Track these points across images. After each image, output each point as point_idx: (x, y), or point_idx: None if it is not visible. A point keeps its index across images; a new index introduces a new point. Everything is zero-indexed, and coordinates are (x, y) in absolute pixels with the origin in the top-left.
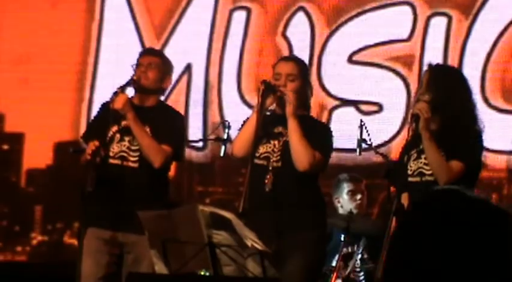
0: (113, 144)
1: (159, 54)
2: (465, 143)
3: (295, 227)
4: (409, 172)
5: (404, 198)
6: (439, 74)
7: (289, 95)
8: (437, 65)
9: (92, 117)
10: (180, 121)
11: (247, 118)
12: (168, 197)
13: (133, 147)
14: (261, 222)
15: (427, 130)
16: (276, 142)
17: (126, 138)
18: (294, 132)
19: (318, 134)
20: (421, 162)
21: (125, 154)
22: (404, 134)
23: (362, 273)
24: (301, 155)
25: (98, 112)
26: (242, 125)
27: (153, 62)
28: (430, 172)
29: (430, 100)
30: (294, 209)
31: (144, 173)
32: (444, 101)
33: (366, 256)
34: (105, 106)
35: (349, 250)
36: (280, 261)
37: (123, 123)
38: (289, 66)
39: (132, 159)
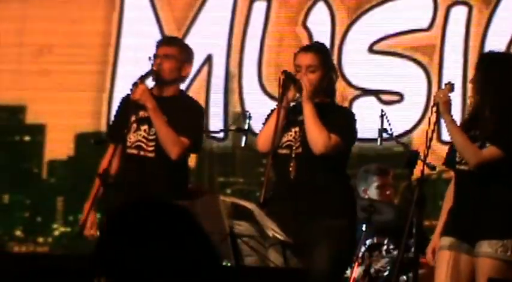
0: (129, 134)
1: (176, 42)
2: (509, 130)
3: (321, 214)
4: (457, 160)
5: (451, 187)
6: (484, 63)
7: (305, 81)
8: (486, 53)
9: (114, 114)
10: (198, 112)
11: (272, 111)
12: (186, 187)
13: (149, 137)
14: (287, 211)
15: (447, 114)
16: (297, 129)
17: (142, 128)
18: (307, 116)
19: (338, 117)
20: None
21: (141, 144)
22: (425, 124)
23: (388, 264)
24: (314, 137)
25: (118, 107)
26: (266, 119)
27: (169, 53)
28: None
29: (479, 90)
30: (318, 197)
31: (161, 162)
32: (489, 91)
33: (391, 246)
34: (124, 100)
35: (375, 241)
36: (306, 251)
37: (141, 113)
38: (309, 58)
39: (148, 149)
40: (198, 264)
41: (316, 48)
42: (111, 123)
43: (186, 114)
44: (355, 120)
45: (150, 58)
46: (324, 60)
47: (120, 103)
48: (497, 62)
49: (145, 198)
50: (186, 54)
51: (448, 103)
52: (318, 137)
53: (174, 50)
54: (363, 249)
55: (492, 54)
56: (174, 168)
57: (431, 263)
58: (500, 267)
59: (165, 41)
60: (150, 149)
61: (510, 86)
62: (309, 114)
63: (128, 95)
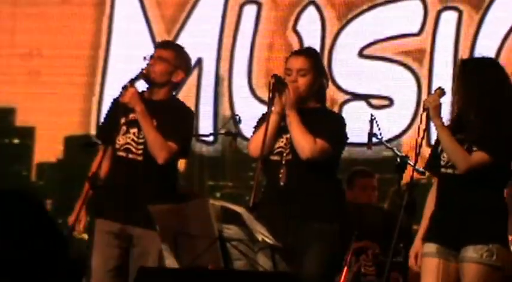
0: (119, 136)
1: (172, 47)
2: (496, 136)
3: (310, 219)
4: (442, 163)
5: (433, 191)
6: (467, 68)
7: (289, 89)
8: (469, 58)
9: (104, 115)
10: (188, 117)
11: (263, 115)
12: (175, 191)
13: (138, 140)
14: (276, 216)
15: (437, 118)
16: (289, 135)
17: (132, 131)
18: (291, 124)
19: (326, 122)
20: None
21: (130, 146)
22: (415, 128)
23: (374, 268)
24: (300, 144)
25: (109, 109)
26: (257, 123)
27: (163, 56)
28: None
29: (463, 95)
30: (309, 201)
31: (150, 165)
32: (472, 96)
33: (378, 250)
34: (114, 102)
35: (361, 244)
36: (296, 255)
37: (131, 115)
38: (300, 61)
39: (137, 152)
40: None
41: (307, 52)
42: (100, 124)
43: (176, 119)
44: (344, 125)
45: (145, 58)
46: (315, 64)
47: (111, 105)
48: (479, 67)
49: (134, 201)
50: (181, 60)
51: (438, 108)
52: (303, 143)
53: (168, 53)
54: (350, 253)
55: (474, 59)
56: (162, 172)
57: (414, 268)
58: (486, 272)
59: (162, 44)
60: (139, 152)
61: (493, 90)
62: (293, 122)
63: (118, 97)
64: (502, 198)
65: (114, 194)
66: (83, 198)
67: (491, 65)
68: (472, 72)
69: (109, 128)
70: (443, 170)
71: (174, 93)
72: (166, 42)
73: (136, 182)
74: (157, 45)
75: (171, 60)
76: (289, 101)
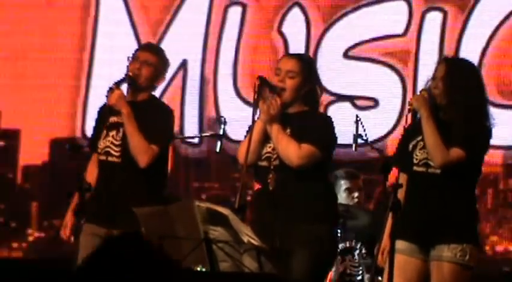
0: (100, 140)
1: (158, 52)
2: (473, 135)
3: (300, 222)
4: (415, 161)
5: (402, 192)
6: (455, 67)
7: (265, 106)
8: (453, 58)
9: (93, 125)
10: (169, 118)
11: (254, 122)
12: (161, 191)
13: (116, 142)
14: (267, 221)
15: (426, 109)
16: None
17: (111, 133)
18: (272, 137)
19: (312, 126)
20: (427, 153)
21: (109, 149)
22: (400, 129)
23: (360, 268)
24: (284, 153)
25: (96, 119)
26: (249, 128)
27: (150, 60)
28: None
29: (443, 92)
30: (299, 205)
31: (128, 168)
32: (458, 95)
33: (364, 251)
34: (100, 112)
35: (348, 245)
36: (286, 258)
37: (111, 119)
38: (291, 63)
39: (114, 154)
40: None
41: (300, 56)
42: (91, 135)
43: (157, 120)
44: (331, 125)
45: (128, 58)
46: (306, 69)
47: (97, 114)
48: (465, 69)
49: (116, 204)
50: (164, 65)
51: (426, 100)
52: (288, 154)
53: (155, 58)
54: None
55: (459, 60)
56: (143, 173)
57: (382, 265)
58: (458, 271)
59: (148, 47)
60: (117, 154)
61: (477, 94)
62: (274, 136)
63: (103, 105)
64: (474, 198)
65: (97, 197)
66: (73, 202)
67: (474, 68)
68: (458, 74)
69: (96, 136)
70: (415, 168)
71: (157, 92)
72: (151, 45)
73: (116, 185)
74: (143, 48)
75: (157, 66)
76: (266, 118)
